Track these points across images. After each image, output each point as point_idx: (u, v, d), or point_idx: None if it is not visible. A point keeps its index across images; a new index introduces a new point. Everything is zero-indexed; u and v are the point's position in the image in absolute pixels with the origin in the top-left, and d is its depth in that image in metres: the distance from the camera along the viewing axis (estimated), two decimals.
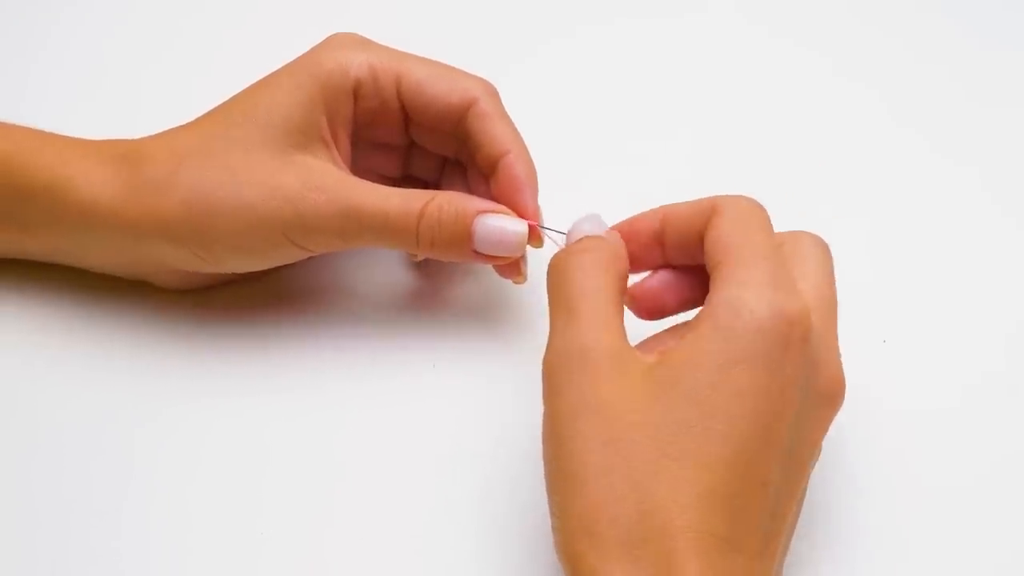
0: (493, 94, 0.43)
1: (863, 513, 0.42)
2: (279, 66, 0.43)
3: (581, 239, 0.39)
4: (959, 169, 0.53)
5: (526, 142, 0.44)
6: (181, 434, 0.43)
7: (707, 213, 0.37)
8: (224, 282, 0.46)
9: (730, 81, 0.57)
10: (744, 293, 0.35)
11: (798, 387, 0.35)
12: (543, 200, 0.43)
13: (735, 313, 0.34)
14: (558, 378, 0.35)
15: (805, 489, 0.38)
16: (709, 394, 0.34)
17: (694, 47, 0.58)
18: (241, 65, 0.44)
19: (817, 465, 0.42)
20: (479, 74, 0.44)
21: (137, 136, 0.44)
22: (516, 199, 0.42)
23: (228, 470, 0.42)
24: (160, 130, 0.44)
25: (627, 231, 0.40)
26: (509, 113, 0.44)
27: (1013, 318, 0.48)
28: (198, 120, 0.43)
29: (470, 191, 0.44)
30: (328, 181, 0.41)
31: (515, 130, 0.43)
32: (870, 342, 0.47)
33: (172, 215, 0.41)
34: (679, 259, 0.39)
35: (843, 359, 0.40)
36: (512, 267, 0.43)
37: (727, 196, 0.38)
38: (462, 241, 0.41)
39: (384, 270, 0.47)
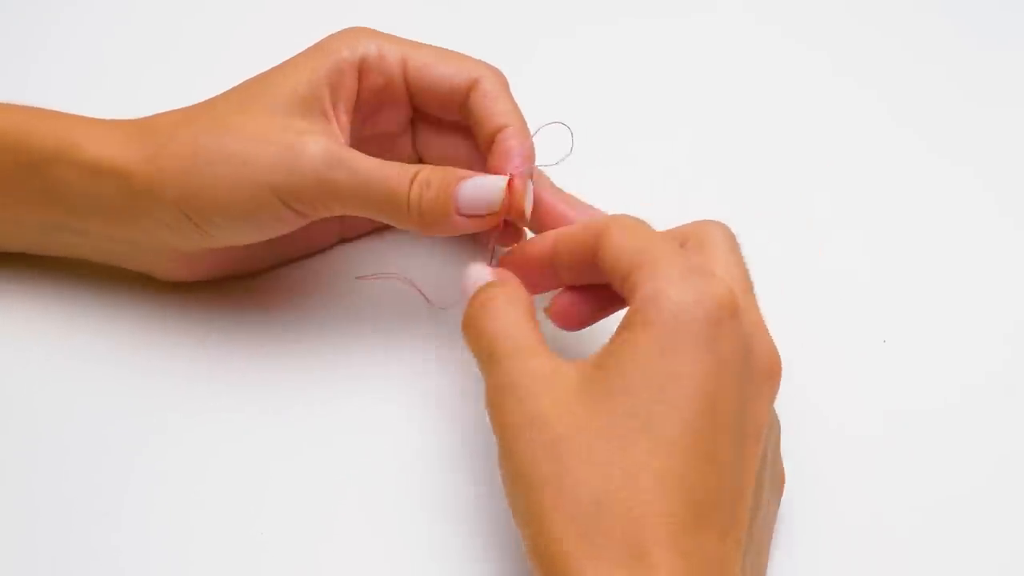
0: (499, 76, 0.43)
1: (863, 513, 0.42)
2: None
3: (477, 292, 0.39)
4: (957, 169, 0.53)
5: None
6: (181, 431, 0.43)
7: (596, 234, 0.38)
8: (226, 276, 0.46)
9: (732, 81, 0.57)
10: (663, 285, 0.35)
11: (735, 365, 0.35)
12: None
13: (659, 306, 0.35)
14: (500, 410, 0.36)
15: (781, 472, 0.39)
16: (649, 382, 0.34)
17: (701, 47, 0.58)
18: (243, 66, 0.44)
19: (816, 464, 0.42)
20: None
21: None
22: (505, 166, 0.42)
23: (228, 467, 0.42)
24: None
25: (520, 257, 0.41)
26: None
27: (1012, 318, 0.48)
28: (211, 98, 0.44)
29: None
30: (323, 140, 0.41)
31: (517, 109, 0.43)
32: (870, 342, 0.47)
33: (165, 167, 0.41)
34: (573, 279, 0.40)
35: (843, 359, 0.40)
36: (513, 233, 0.42)
37: (612, 216, 0.39)
38: (446, 205, 0.40)
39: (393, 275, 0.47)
